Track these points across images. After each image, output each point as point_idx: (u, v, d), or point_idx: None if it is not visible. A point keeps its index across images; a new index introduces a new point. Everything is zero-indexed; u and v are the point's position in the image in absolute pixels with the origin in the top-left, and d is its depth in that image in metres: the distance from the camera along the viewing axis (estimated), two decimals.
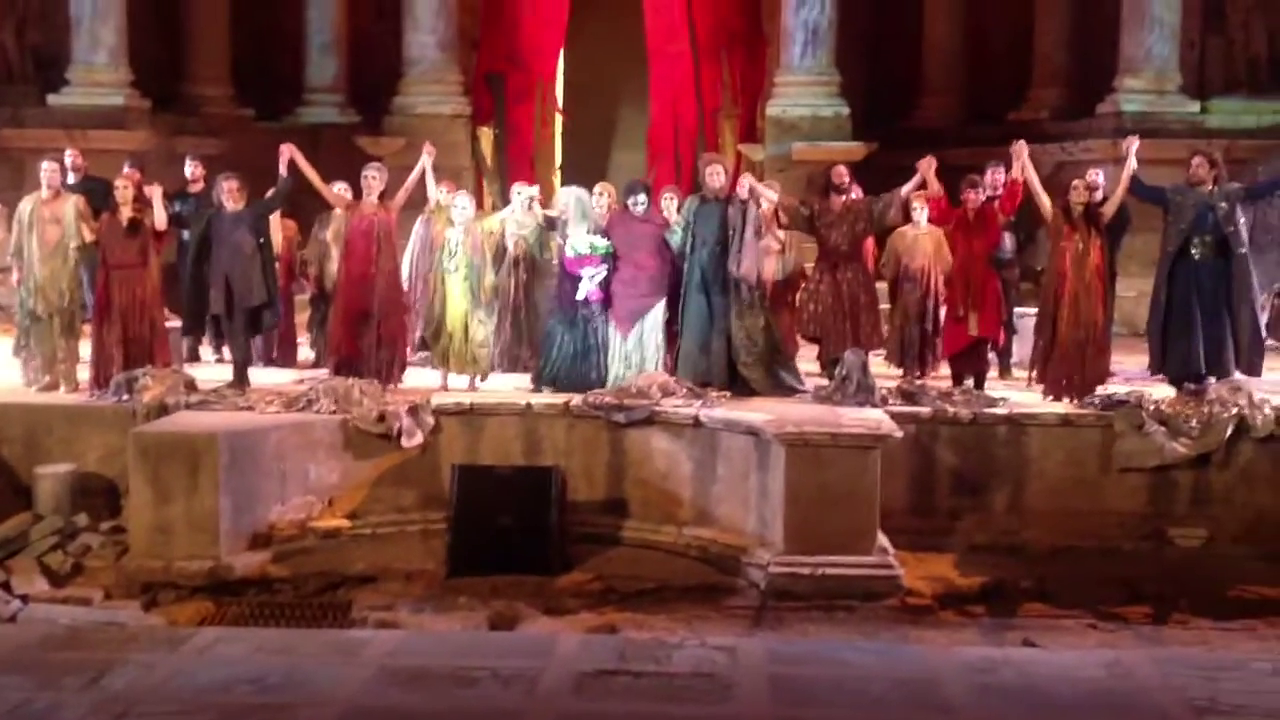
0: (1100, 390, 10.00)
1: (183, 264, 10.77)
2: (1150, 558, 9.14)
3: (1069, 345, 10.02)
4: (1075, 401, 9.90)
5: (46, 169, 10.44)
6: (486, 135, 17.19)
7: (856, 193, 11.12)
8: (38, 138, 15.24)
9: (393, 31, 16.62)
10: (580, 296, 10.17)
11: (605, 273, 10.13)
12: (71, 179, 11.75)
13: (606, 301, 10.16)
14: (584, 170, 17.53)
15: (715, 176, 10.12)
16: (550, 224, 10.76)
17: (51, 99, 15.58)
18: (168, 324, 10.61)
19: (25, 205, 10.40)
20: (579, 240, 10.18)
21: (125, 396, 9.63)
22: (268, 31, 18.06)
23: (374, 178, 10.48)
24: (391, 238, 10.48)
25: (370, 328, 10.29)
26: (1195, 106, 15.23)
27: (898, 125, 17.21)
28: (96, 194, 11.13)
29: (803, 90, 16.09)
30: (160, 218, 10.16)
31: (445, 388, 10.22)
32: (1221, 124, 15.15)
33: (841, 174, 10.99)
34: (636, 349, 10.07)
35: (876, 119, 16.46)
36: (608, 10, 18.07)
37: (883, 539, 8.64)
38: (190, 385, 9.81)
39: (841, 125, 15.92)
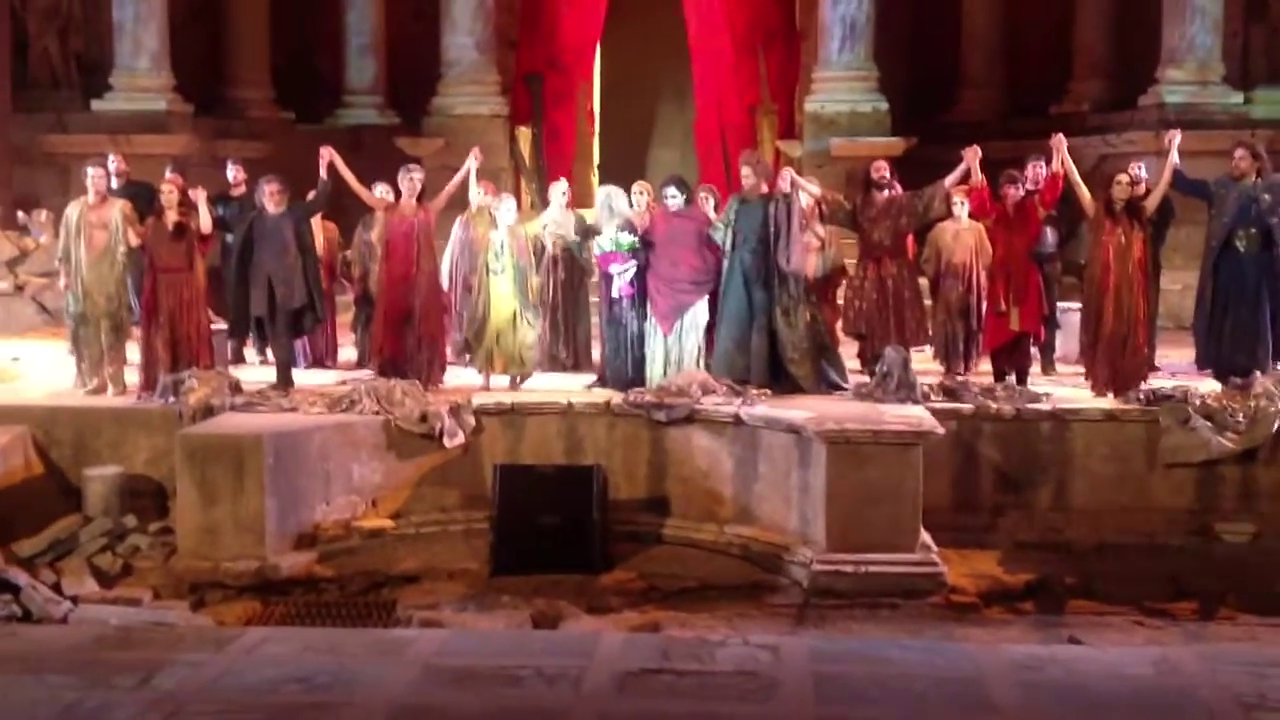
0: (1145, 385, 9.93)
1: (227, 267, 10.86)
2: (1197, 554, 9.06)
3: (1112, 339, 9.95)
4: (1118, 396, 9.83)
5: (92, 174, 10.54)
6: (525, 135, 17.22)
7: (896, 188, 11.09)
8: (82, 143, 15.40)
9: (431, 33, 16.69)
10: (614, 294, 10.19)
11: (634, 269, 10.12)
12: (114, 184, 11.88)
13: (639, 298, 10.17)
14: (623, 168, 17.58)
15: (746, 178, 10.11)
16: (586, 231, 10.77)
17: (95, 104, 15.76)
18: (213, 326, 10.71)
19: (72, 210, 10.52)
20: (604, 237, 10.24)
21: (172, 399, 9.73)
22: (308, 34, 18.21)
23: (412, 179, 10.53)
24: (431, 239, 10.55)
25: (412, 328, 10.37)
26: (1239, 97, 15.06)
27: (937, 120, 17.12)
28: (141, 198, 11.25)
29: (841, 85, 16.02)
30: (206, 221, 10.27)
31: (487, 388, 10.27)
32: (1265, 114, 14.98)
33: (881, 169, 11.00)
34: (676, 345, 10.08)
35: (916, 114, 16.39)
36: (643, 7, 18.07)
37: (926, 536, 8.61)
38: (235, 387, 9.90)
39: (880, 120, 15.84)
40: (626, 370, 10.17)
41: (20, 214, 14.34)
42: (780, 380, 9.86)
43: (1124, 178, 10.17)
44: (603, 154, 18.45)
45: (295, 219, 10.33)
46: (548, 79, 17.47)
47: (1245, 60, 15.56)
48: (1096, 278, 10.04)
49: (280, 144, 16.63)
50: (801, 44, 17.57)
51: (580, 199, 14.18)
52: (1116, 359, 9.94)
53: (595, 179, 17.71)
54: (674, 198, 10.19)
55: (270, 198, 10.32)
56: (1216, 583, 8.55)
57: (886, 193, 10.84)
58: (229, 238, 11.36)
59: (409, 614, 8.06)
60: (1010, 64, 17.71)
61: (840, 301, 11.33)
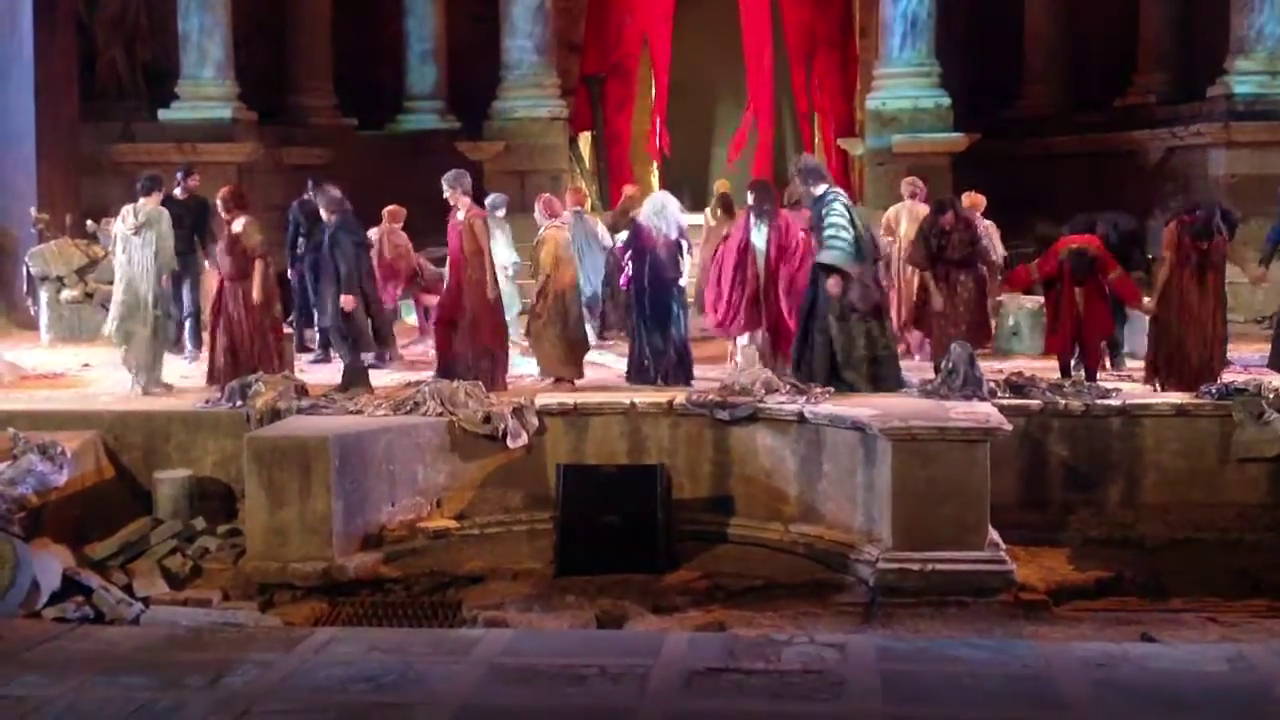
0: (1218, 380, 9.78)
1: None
2: (1272, 549, 8.89)
3: (1180, 335, 9.81)
4: (1191, 392, 9.67)
5: (143, 184, 10.71)
6: (585, 137, 17.29)
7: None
8: (149, 151, 15.66)
9: (490, 37, 16.79)
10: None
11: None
12: (180, 194, 12.12)
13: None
14: (685, 167, 17.61)
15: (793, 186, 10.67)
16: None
17: (162, 114, 15.99)
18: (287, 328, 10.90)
19: (121, 219, 10.67)
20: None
21: (239, 402, 9.83)
22: (369, 42, 18.39)
23: (449, 190, 10.42)
24: (478, 245, 10.32)
25: (462, 333, 10.38)
26: None
27: (1000, 115, 16.97)
28: (192, 213, 11.76)
29: (903, 82, 15.93)
30: (256, 293, 10.37)
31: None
32: None
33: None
34: None
35: (978, 109, 16.23)
36: (708, 8, 18.06)
37: (994, 534, 8.51)
38: (302, 390, 9.99)
39: (943, 116, 15.73)
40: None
41: (89, 222, 14.55)
42: (837, 382, 9.77)
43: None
44: (664, 143, 18.43)
45: (350, 243, 10.39)
46: (610, 84, 17.55)
47: None
48: (1166, 274, 9.89)
49: (342, 150, 16.81)
50: (863, 41, 17.52)
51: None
52: (1184, 355, 9.81)
53: (655, 180, 17.73)
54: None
55: (326, 206, 10.56)
56: None
57: (951, 213, 10.95)
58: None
59: (474, 614, 8.08)
60: (1072, 57, 17.52)
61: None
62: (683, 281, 10.56)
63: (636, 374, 10.42)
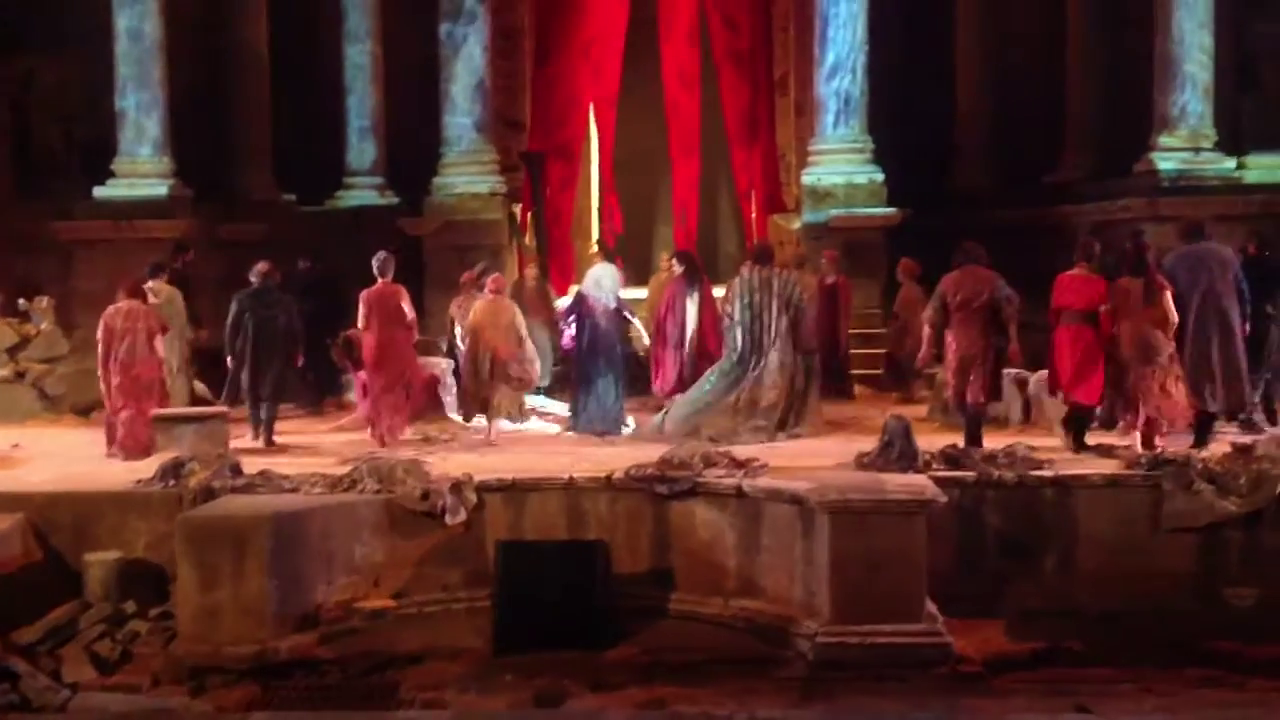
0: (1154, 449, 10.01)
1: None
2: (1204, 618, 8.99)
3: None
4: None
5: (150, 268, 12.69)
6: (522, 213, 17.38)
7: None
8: (84, 229, 15.55)
9: (430, 115, 16.88)
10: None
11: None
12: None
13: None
14: (628, 243, 17.79)
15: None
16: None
17: (98, 191, 15.90)
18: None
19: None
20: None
21: (172, 482, 9.72)
22: (309, 118, 18.41)
23: (376, 265, 11.98)
24: (398, 311, 11.82)
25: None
26: (1231, 163, 15.16)
27: (932, 189, 17.26)
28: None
29: (838, 158, 16.21)
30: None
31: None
32: (1258, 179, 15.07)
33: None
34: None
35: (911, 183, 16.50)
36: (651, 86, 18.30)
37: (931, 606, 8.55)
38: (236, 469, 9.90)
39: (876, 192, 16.00)
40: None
41: (21, 301, 14.42)
42: None
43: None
44: (617, 223, 18.59)
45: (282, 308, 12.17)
46: (553, 164, 17.73)
47: (1237, 126, 15.69)
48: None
49: (281, 226, 16.76)
50: (798, 119, 17.83)
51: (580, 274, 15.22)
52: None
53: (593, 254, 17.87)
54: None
55: (256, 275, 12.08)
56: (1225, 647, 8.46)
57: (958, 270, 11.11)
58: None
59: (412, 695, 8.00)
60: (1003, 134, 17.86)
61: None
62: (644, 341, 13.04)
63: (576, 422, 12.11)
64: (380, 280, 11.81)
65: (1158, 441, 10.31)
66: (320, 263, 14.90)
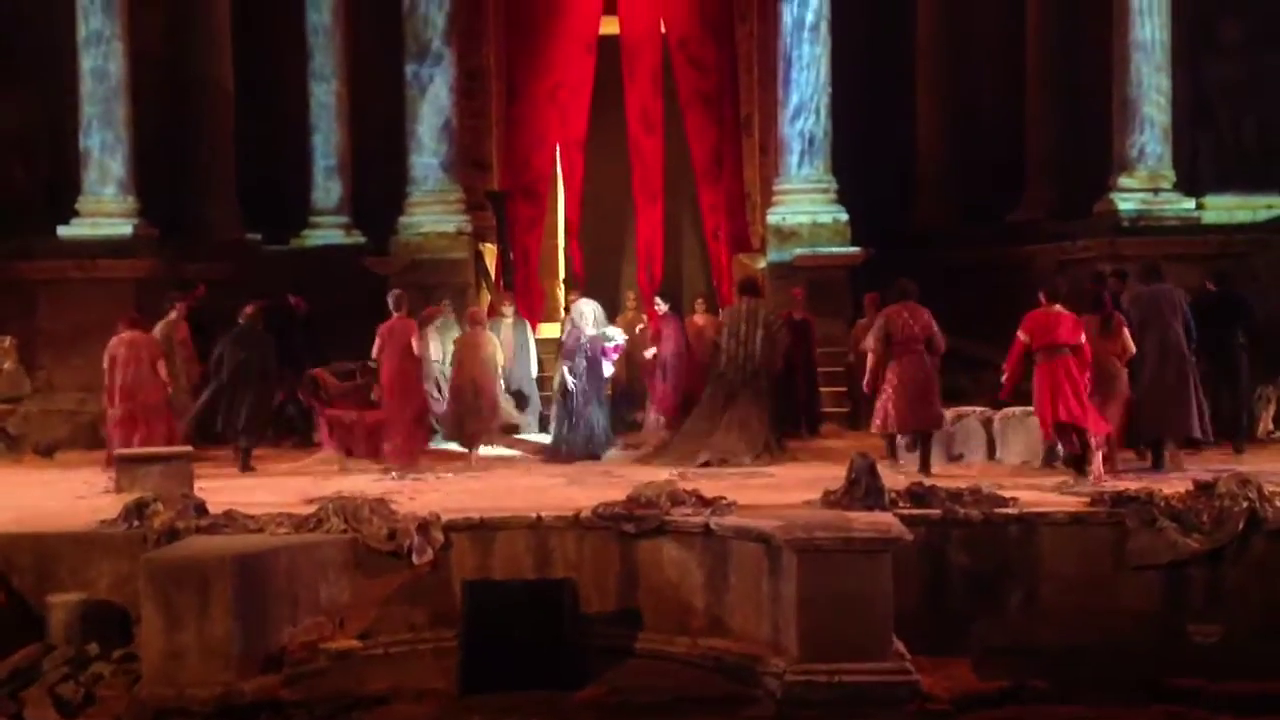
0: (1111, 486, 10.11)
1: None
2: (1168, 655, 9.04)
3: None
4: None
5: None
6: (490, 251, 17.41)
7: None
8: (47, 269, 15.48)
9: (396, 154, 16.92)
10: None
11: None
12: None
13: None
14: (595, 282, 17.86)
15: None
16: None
17: (61, 230, 15.83)
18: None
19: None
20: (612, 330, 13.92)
21: (136, 522, 9.65)
22: (274, 157, 18.41)
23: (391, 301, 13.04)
24: (408, 345, 12.70)
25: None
26: (1190, 203, 15.42)
27: (895, 227, 17.42)
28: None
29: (801, 198, 16.37)
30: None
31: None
32: (1216, 219, 15.34)
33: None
34: None
35: (874, 222, 16.66)
36: (615, 132, 18.39)
37: (898, 644, 8.58)
38: (201, 509, 9.84)
39: (840, 231, 16.15)
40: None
41: None
42: None
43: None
44: (576, 267, 18.65)
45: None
46: (520, 204, 17.80)
47: (1194, 166, 15.95)
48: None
49: (245, 265, 16.73)
50: (763, 159, 17.97)
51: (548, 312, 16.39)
52: None
53: (560, 292, 17.92)
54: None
55: (242, 316, 13.02)
56: (1189, 684, 8.51)
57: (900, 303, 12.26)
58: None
59: None
60: (964, 173, 18.09)
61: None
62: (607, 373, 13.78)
63: (558, 450, 13.23)
64: (395, 315, 12.81)
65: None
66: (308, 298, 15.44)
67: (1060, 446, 11.35)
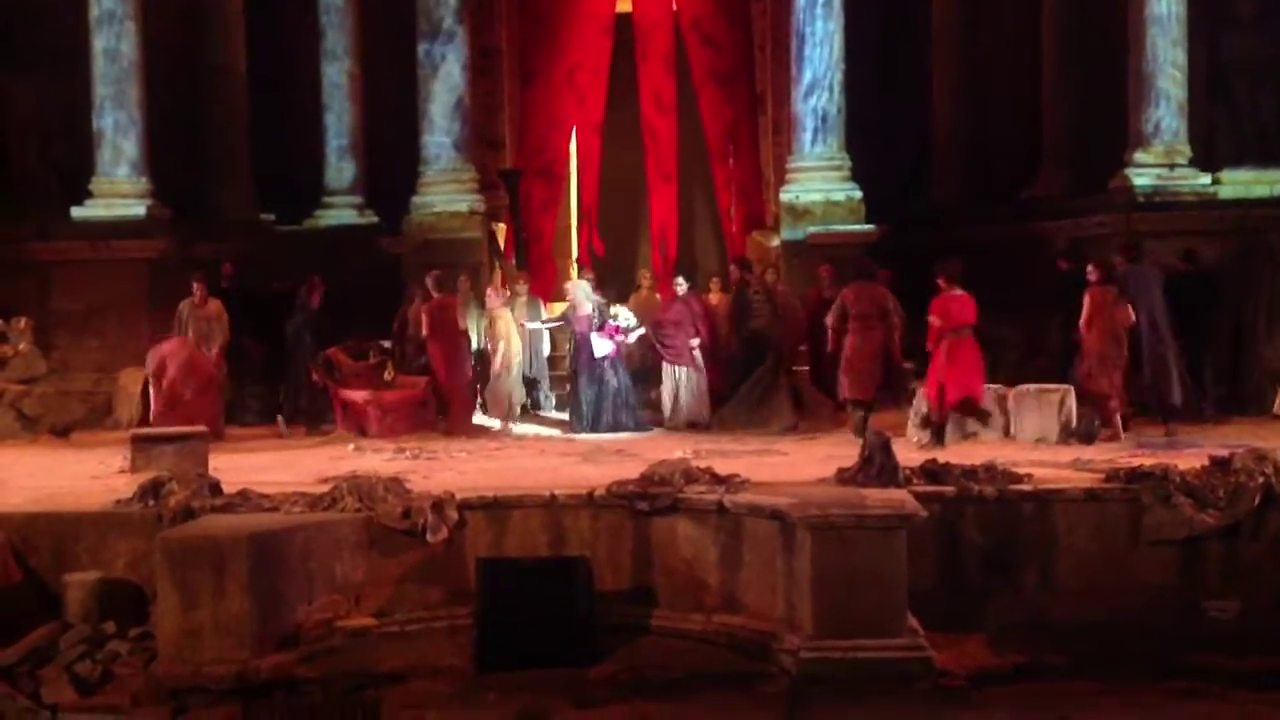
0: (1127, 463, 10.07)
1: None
2: (1185, 631, 9.02)
3: None
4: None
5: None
6: (502, 230, 17.41)
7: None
8: (62, 250, 15.51)
9: (408, 133, 16.90)
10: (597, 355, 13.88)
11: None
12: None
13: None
14: (610, 262, 17.87)
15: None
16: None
17: (75, 211, 15.85)
18: None
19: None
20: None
21: (151, 502, 9.68)
22: (287, 137, 18.40)
23: (431, 282, 14.03)
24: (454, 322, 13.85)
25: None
26: (1206, 179, 15.29)
27: (909, 206, 17.35)
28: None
29: (815, 176, 16.28)
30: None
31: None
32: (1234, 194, 15.21)
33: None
34: None
35: (889, 200, 16.60)
36: (630, 113, 18.35)
37: (912, 620, 8.57)
38: (215, 488, 9.86)
39: (854, 209, 16.08)
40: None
41: None
42: None
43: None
44: (598, 250, 18.67)
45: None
46: (535, 185, 17.77)
47: (1211, 142, 15.83)
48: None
49: (259, 245, 16.75)
50: (776, 137, 17.91)
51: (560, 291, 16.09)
52: None
53: (574, 271, 17.91)
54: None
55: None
56: (1206, 659, 8.49)
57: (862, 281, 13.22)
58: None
59: (393, 714, 7.97)
60: (979, 150, 17.99)
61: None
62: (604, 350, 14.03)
63: (580, 425, 13.81)
64: (435, 295, 13.60)
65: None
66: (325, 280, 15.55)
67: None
